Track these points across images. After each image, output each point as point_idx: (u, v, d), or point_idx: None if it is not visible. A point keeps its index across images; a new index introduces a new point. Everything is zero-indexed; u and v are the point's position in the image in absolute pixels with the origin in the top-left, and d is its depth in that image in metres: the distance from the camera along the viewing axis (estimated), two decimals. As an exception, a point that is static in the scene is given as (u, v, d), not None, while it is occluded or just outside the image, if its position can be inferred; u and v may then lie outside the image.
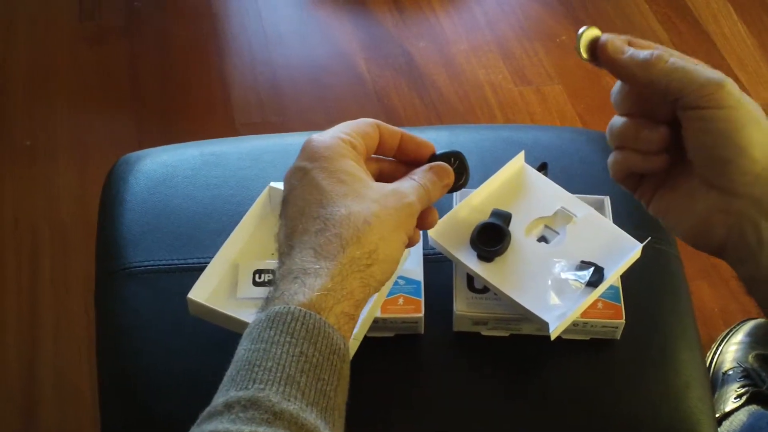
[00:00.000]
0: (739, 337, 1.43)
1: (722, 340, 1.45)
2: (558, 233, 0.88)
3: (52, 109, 1.87)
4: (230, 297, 0.85)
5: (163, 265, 0.93)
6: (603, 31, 0.66)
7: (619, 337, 0.87)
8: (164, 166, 1.03)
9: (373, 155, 0.73)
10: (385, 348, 0.87)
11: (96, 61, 1.97)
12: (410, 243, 0.70)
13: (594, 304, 0.84)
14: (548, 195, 0.90)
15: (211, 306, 0.81)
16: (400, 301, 0.85)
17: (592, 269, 0.83)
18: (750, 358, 1.39)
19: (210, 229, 0.95)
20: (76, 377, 1.47)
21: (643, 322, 0.89)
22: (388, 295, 0.85)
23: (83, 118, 1.87)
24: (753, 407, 1.32)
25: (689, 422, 0.86)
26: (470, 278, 0.87)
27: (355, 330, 0.77)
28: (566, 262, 0.85)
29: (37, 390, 1.46)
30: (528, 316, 0.82)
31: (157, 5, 2.08)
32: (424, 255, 0.89)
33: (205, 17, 2.06)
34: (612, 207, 0.92)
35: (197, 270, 0.85)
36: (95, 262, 0.99)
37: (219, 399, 0.57)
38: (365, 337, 0.81)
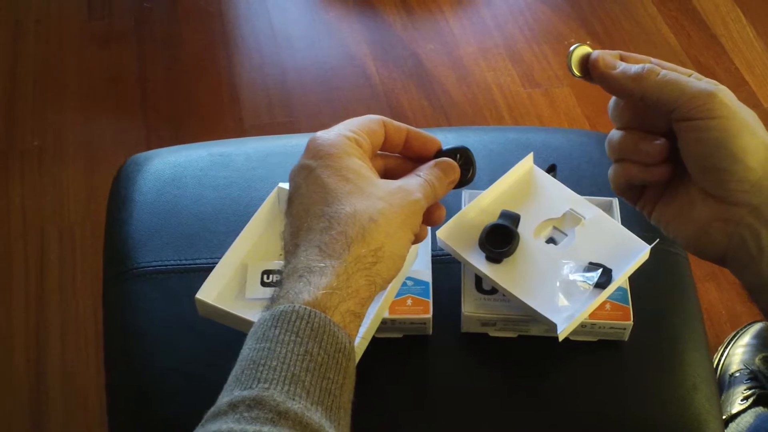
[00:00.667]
0: (746, 339, 1.43)
1: (729, 343, 1.45)
2: (566, 235, 0.88)
3: (61, 109, 1.87)
4: (239, 297, 0.85)
5: (172, 265, 0.93)
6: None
7: (627, 339, 0.87)
8: (173, 167, 1.03)
9: (378, 152, 0.73)
10: (393, 349, 0.87)
11: (105, 61, 1.97)
12: (416, 239, 0.69)
13: (602, 306, 0.85)
14: (557, 197, 0.90)
15: (220, 306, 0.81)
16: (409, 302, 0.85)
17: (600, 271, 0.83)
18: (757, 360, 1.39)
19: (218, 229, 0.95)
20: (83, 379, 1.47)
21: (651, 324, 0.89)
22: (396, 296, 0.85)
23: (92, 118, 1.87)
24: (760, 409, 1.32)
25: (696, 423, 0.86)
26: (478, 279, 0.87)
27: (364, 329, 0.77)
28: (575, 263, 0.85)
29: (45, 392, 1.46)
30: (536, 318, 0.82)
31: (167, 6, 2.08)
32: (433, 256, 0.89)
33: (215, 18, 2.06)
34: (620, 209, 0.92)
35: (206, 270, 0.85)
36: (103, 263, 0.99)
37: (224, 398, 0.57)
38: (373, 338, 0.81)
